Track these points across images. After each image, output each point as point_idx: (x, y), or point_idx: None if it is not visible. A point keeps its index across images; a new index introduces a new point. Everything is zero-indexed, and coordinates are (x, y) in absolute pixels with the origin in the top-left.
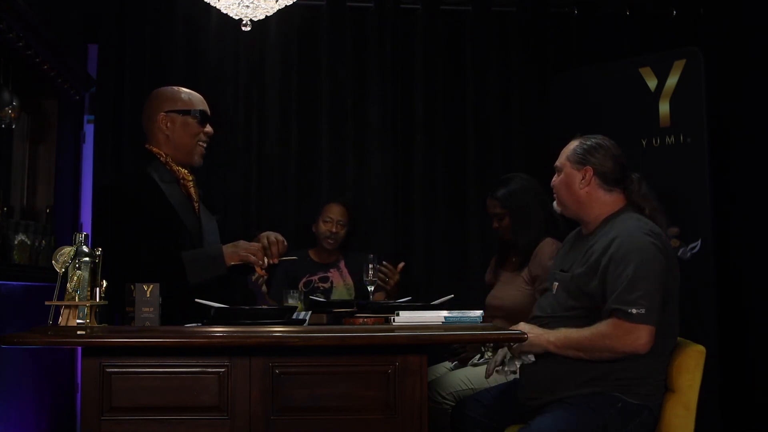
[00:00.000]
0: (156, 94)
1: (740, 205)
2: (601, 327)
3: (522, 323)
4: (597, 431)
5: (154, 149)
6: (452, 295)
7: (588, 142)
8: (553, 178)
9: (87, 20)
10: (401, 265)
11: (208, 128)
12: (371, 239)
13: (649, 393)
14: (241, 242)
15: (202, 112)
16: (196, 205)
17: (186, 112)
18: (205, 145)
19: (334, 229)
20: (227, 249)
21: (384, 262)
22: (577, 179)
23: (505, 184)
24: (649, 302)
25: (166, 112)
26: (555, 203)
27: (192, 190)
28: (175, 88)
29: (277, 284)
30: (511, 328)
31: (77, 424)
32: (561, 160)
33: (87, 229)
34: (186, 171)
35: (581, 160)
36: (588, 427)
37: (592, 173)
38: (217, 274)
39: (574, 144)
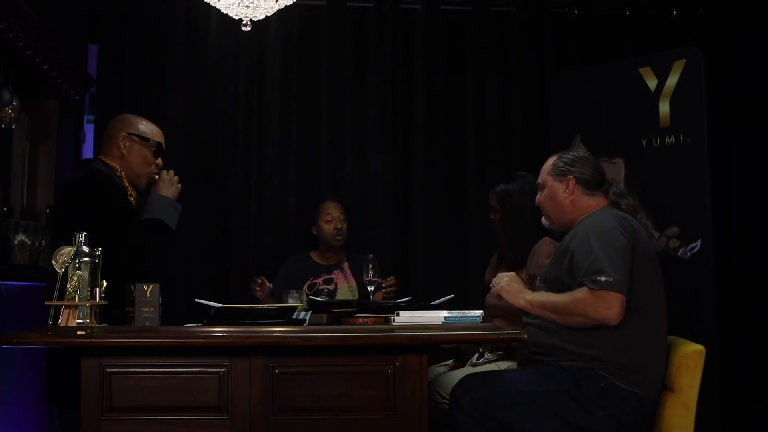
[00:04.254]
0: (122, 116)
1: (740, 205)
2: (577, 293)
3: (502, 274)
4: (558, 395)
5: (109, 161)
6: (452, 295)
7: (566, 156)
8: (537, 196)
9: (87, 20)
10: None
11: (160, 160)
12: (371, 239)
13: (640, 382)
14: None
15: (159, 144)
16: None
17: (145, 140)
18: (156, 174)
19: (338, 226)
20: (160, 193)
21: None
22: (560, 190)
23: (507, 182)
24: (615, 272)
25: (128, 133)
26: (543, 218)
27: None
28: (140, 117)
29: (279, 286)
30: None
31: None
32: (542, 177)
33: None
34: (132, 189)
35: (562, 172)
36: (551, 388)
37: (574, 182)
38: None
39: (552, 160)
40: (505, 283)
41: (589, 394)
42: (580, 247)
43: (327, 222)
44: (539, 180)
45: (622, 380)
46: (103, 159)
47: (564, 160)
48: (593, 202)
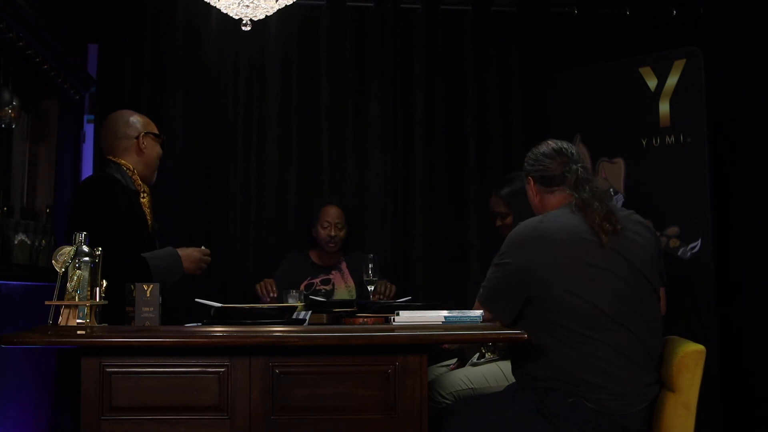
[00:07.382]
0: (124, 116)
1: (740, 205)
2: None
3: None
4: (529, 416)
5: (122, 161)
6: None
7: (530, 153)
8: None
9: (87, 20)
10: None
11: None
12: (371, 239)
13: (605, 400)
14: (192, 253)
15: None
16: (149, 219)
17: (158, 137)
18: None
19: (332, 233)
20: (184, 259)
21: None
22: (530, 191)
23: (511, 183)
24: (487, 288)
25: (146, 132)
26: None
27: (147, 207)
28: (131, 111)
29: (277, 285)
30: None
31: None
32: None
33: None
34: (146, 186)
35: (526, 172)
36: (520, 410)
37: (533, 182)
38: (173, 280)
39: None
40: None
41: (558, 411)
42: None
43: (323, 227)
44: None
45: (585, 398)
46: (116, 160)
47: (527, 158)
48: (555, 200)
